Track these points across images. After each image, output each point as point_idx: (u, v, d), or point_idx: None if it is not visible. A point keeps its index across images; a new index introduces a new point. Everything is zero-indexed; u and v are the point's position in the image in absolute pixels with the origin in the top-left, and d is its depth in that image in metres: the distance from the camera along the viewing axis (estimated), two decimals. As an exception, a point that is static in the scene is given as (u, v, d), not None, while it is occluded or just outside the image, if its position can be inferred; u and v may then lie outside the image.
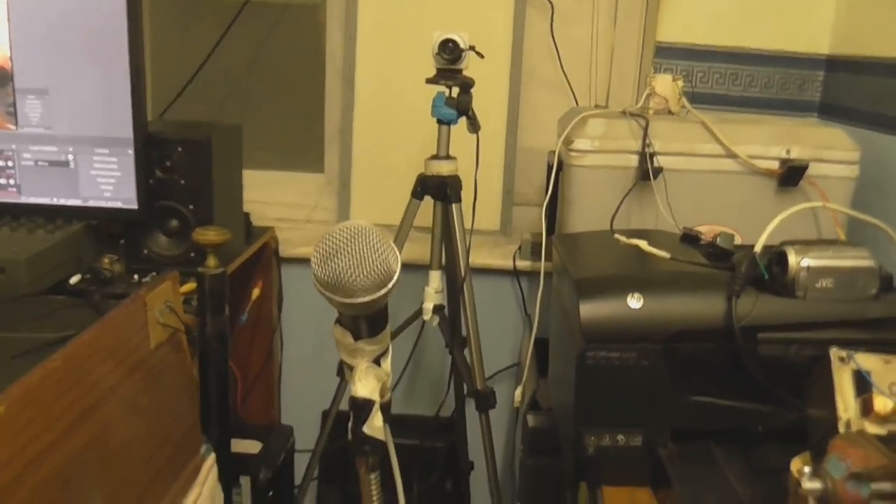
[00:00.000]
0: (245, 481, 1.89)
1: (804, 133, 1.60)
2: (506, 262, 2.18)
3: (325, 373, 2.18)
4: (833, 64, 2.02)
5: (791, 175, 1.55)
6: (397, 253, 0.82)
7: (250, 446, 1.97)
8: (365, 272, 0.79)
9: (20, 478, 0.88)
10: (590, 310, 1.18)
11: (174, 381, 1.36)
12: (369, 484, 0.87)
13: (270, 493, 1.93)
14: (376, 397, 0.84)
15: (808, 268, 1.19)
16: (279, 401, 2.27)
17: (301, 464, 2.16)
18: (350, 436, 0.85)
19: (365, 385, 0.83)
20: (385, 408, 0.87)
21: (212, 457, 1.50)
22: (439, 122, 1.74)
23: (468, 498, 2.22)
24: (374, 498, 0.87)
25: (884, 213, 1.49)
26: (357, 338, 0.86)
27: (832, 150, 1.57)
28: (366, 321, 0.85)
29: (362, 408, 0.83)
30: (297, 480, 2.16)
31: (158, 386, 1.30)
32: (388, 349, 0.88)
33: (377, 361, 0.87)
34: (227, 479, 1.57)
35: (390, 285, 0.81)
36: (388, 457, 0.92)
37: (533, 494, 1.76)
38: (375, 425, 0.84)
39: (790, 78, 2.06)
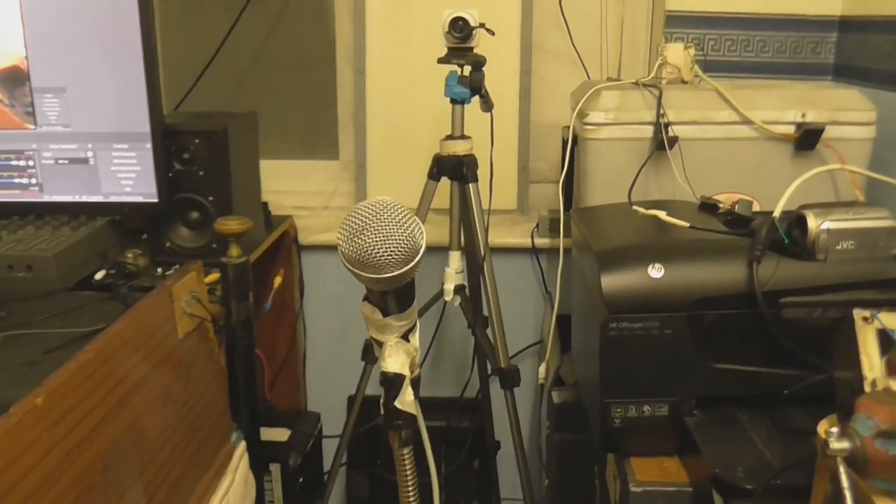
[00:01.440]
0: (275, 468, 1.92)
1: (819, 96, 1.59)
2: (524, 241, 2.18)
3: (349, 358, 2.20)
4: (846, 25, 2.00)
5: (807, 139, 1.54)
6: (422, 227, 0.83)
7: (279, 434, 2.00)
8: (392, 247, 0.80)
9: (62, 465, 0.90)
10: (612, 281, 1.19)
11: (203, 370, 1.38)
12: (403, 458, 0.88)
13: (301, 480, 1.95)
14: (406, 372, 0.85)
15: (829, 230, 1.19)
16: (305, 387, 2.30)
17: (329, 449, 2.19)
18: (382, 411, 0.86)
19: (395, 360, 0.85)
20: (414, 383, 0.88)
21: (242, 444, 1.53)
22: (452, 101, 1.74)
23: (496, 477, 2.24)
24: (408, 472, 0.88)
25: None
26: (386, 314, 0.87)
27: (848, 112, 1.56)
28: (394, 297, 0.86)
29: (393, 383, 0.84)
30: (326, 466, 2.19)
31: (188, 375, 1.32)
32: (415, 324, 0.90)
33: (405, 337, 0.88)
34: (259, 466, 1.59)
35: (417, 259, 0.83)
36: (420, 434, 0.93)
37: (561, 470, 1.78)
38: (407, 400, 0.85)
39: (803, 41, 2.04)
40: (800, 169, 1.56)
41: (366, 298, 0.88)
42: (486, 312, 1.88)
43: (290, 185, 2.33)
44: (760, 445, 1.14)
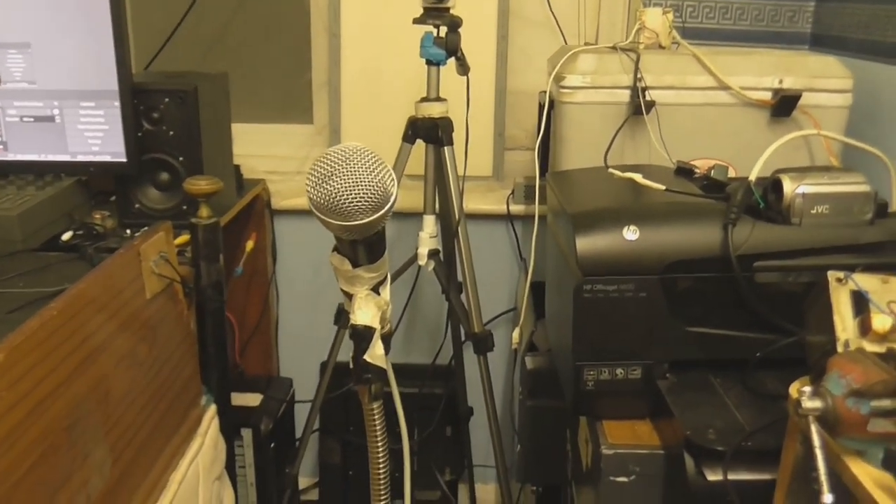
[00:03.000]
0: (246, 433, 1.90)
1: (796, 62, 1.58)
2: (499, 207, 2.17)
3: (322, 323, 2.19)
4: (823, -7, 2.00)
5: (784, 105, 1.53)
6: (394, 175, 0.81)
7: (251, 399, 1.98)
8: (361, 193, 0.78)
9: (25, 422, 0.89)
10: (586, 243, 1.18)
11: (171, 332, 1.36)
12: (372, 413, 0.87)
13: (272, 445, 1.94)
14: (376, 325, 0.84)
15: (804, 194, 1.19)
16: (277, 353, 2.28)
17: (301, 415, 2.18)
18: (352, 364, 0.84)
19: (365, 313, 0.83)
20: (386, 339, 0.87)
21: (213, 407, 1.51)
22: (428, 63, 1.71)
23: (468, 443, 2.24)
24: (378, 427, 0.87)
25: (877, 141, 1.49)
26: (355, 265, 0.85)
27: (825, 79, 1.55)
28: (364, 246, 0.84)
29: (363, 336, 0.83)
30: (298, 431, 2.18)
31: (156, 336, 1.30)
32: (386, 277, 0.88)
33: (376, 290, 0.86)
34: (230, 430, 1.58)
35: (388, 207, 0.81)
36: (392, 399, 0.92)
37: (533, 435, 1.78)
38: (377, 353, 0.84)
39: (781, 9, 2.04)
40: (776, 135, 1.55)
41: (335, 249, 0.86)
42: (460, 278, 1.87)
43: (264, 150, 2.30)
44: (732, 409, 1.15)
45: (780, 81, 1.55)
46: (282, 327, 2.29)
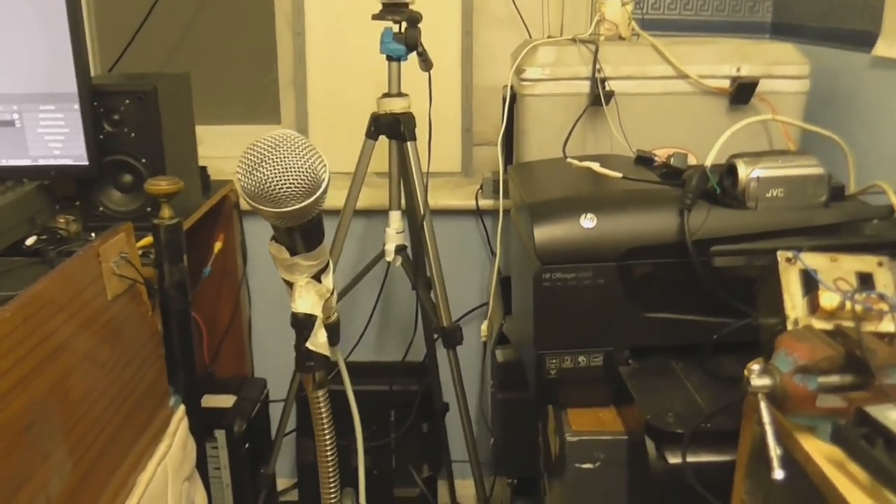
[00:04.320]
0: (220, 434, 1.90)
1: (753, 50, 1.60)
2: (468, 202, 2.17)
3: (295, 323, 2.19)
4: (783, -17, 2.02)
5: (742, 92, 1.55)
6: (325, 161, 0.81)
7: (224, 400, 1.98)
8: (291, 179, 0.78)
9: (-23, 422, 0.88)
10: (544, 232, 1.19)
11: (135, 333, 1.36)
12: (317, 401, 0.87)
13: (247, 445, 1.94)
14: (318, 312, 0.84)
15: (759, 178, 1.20)
16: (251, 354, 2.28)
17: (277, 415, 2.17)
18: (295, 353, 0.84)
19: (305, 301, 0.83)
20: (332, 328, 0.87)
21: (181, 408, 1.50)
22: (389, 58, 1.71)
23: (445, 439, 2.24)
24: (324, 415, 0.87)
25: (836, 126, 1.51)
26: (293, 253, 0.85)
27: (782, 66, 1.57)
28: (300, 234, 0.84)
29: (304, 324, 0.83)
30: (273, 431, 2.18)
31: (119, 337, 1.29)
32: (328, 265, 0.88)
33: (317, 278, 0.86)
34: (200, 431, 1.57)
35: (319, 192, 0.81)
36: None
37: (506, 428, 1.78)
38: (319, 341, 0.84)
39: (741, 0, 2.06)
40: (735, 123, 1.57)
41: (273, 238, 0.87)
42: (428, 273, 1.87)
43: (231, 151, 2.29)
44: (692, 392, 1.16)
45: (738, 69, 1.56)
46: (255, 328, 2.28)
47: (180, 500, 1.42)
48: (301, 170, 0.78)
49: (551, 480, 1.48)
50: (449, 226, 2.20)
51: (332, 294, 0.87)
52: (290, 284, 0.86)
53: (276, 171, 0.78)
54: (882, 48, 1.52)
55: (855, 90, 1.61)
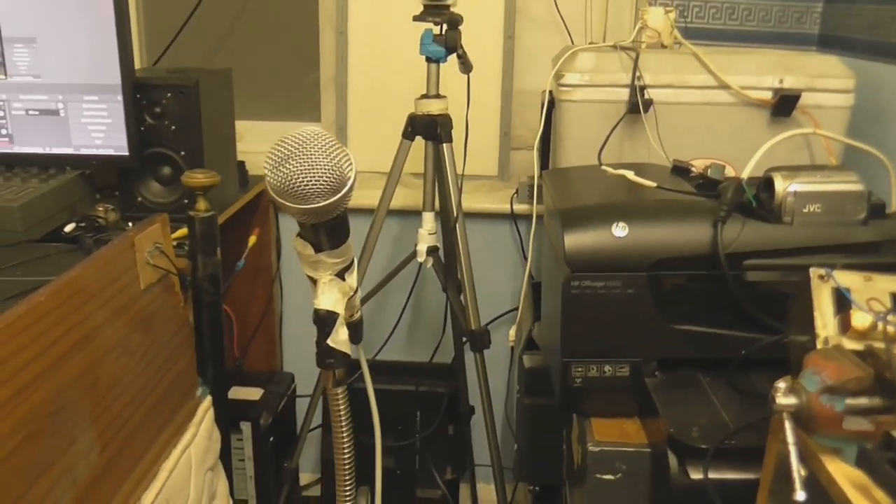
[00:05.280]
0: (245, 427, 1.92)
1: (797, 62, 1.57)
2: (503, 206, 2.17)
3: (326, 320, 2.20)
4: (831, -6, 1.99)
5: (784, 105, 1.52)
6: (352, 159, 0.81)
7: (251, 393, 1.99)
8: (318, 176, 0.79)
9: (7, 405, 0.90)
10: (574, 239, 1.18)
11: (166, 323, 1.37)
12: (337, 398, 0.87)
13: (271, 439, 1.95)
14: (340, 310, 0.84)
15: (796, 193, 1.18)
16: (281, 348, 2.29)
17: (303, 409, 2.19)
18: (316, 349, 0.85)
19: (328, 298, 0.84)
20: (355, 326, 0.87)
21: (208, 399, 1.52)
22: (428, 60, 1.72)
23: (470, 442, 2.24)
24: (342, 413, 0.87)
25: (880, 143, 1.48)
26: (318, 249, 0.86)
27: (826, 79, 1.54)
28: (325, 231, 0.85)
29: (325, 320, 0.83)
30: (299, 425, 2.19)
31: (150, 326, 1.31)
32: (352, 263, 0.89)
33: (341, 276, 0.87)
34: (226, 422, 1.59)
35: (345, 190, 0.81)
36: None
37: (531, 434, 1.77)
38: (340, 339, 0.84)
39: (788, 10, 2.02)
40: (775, 136, 1.55)
41: (299, 234, 0.87)
42: (459, 275, 1.87)
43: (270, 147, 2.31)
44: (718, 407, 1.14)
45: (781, 81, 1.54)
46: (286, 323, 2.30)
47: (202, 490, 1.43)
48: (327, 167, 0.79)
49: (573, 489, 1.47)
50: (483, 229, 2.19)
51: (355, 292, 0.88)
52: (313, 281, 0.87)
53: (303, 167, 0.78)
54: (931, 64, 1.49)
55: (902, 107, 1.58)
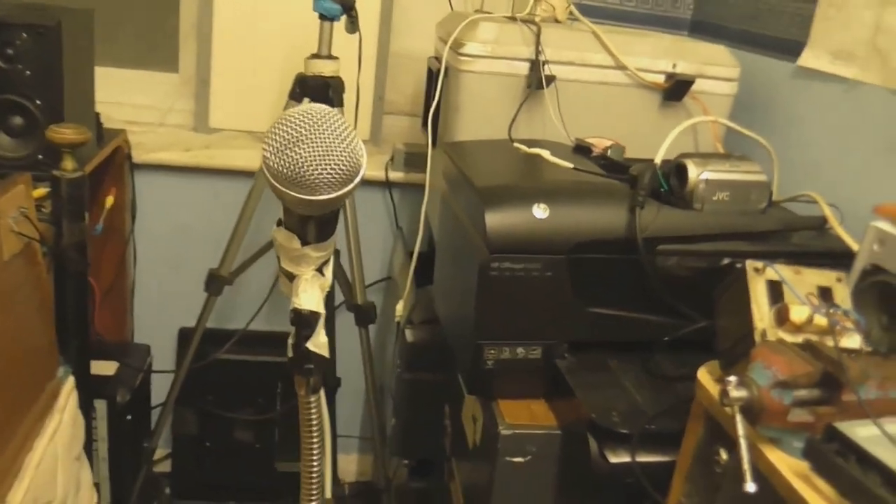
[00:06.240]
0: (100, 405, 1.75)
1: (688, 48, 1.61)
2: (378, 174, 2.10)
3: (182, 288, 2.05)
4: (705, -19, 2.05)
5: (677, 89, 1.55)
6: (362, 143, 0.72)
7: (105, 367, 1.82)
8: (332, 164, 0.69)
9: None
10: (495, 219, 1.14)
11: (28, 298, 1.22)
12: (310, 407, 0.79)
13: (129, 417, 1.80)
14: (322, 310, 0.76)
15: (707, 180, 1.21)
16: (132, 317, 2.12)
17: (157, 384, 2.04)
18: (292, 353, 0.76)
19: (310, 296, 0.74)
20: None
21: (70, 380, 1.37)
22: (321, 17, 1.61)
23: (333, 414, 2.18)
24: (314, 423, 0.79)
25: (754, 131, 1.53)
26: (304, 243, 0.76)
27: (715, 67, 1.58)
28: (315, 224, 0.75)
29: (307, 322, 0.74)
30: (154, 401, 2.04)
31: (10, 304, 1.15)
32: (331, 257, 0.79)
33: (320, 270, 0.78)
34: (88, 404, 1.44)
35: (356, 181, 0.72)
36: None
37: (410, 409, 1.74)
38: (320, 341, 0.75)
39: (665, -6, 2.07)
40: (667, 118, 1.58)
41: (280, 223, 0.77)
42: (341, 246, 1.79)
43: (123, 97, 2.11)
44: (632, 390, 1.15)
45: (674, 66, 1.56)
46: (137, 290, 2.12)
47: (69, 482, 1.29)
48: (343, 154, 0.69)
49: (465, 467, 1.45)
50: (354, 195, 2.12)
51: (330, 288, 0.79)
52: (290, 277, 0.77)
53: (316, 153, 0.68)
54: (808, 59, 1.56)
55: (776, 97, 1.65)
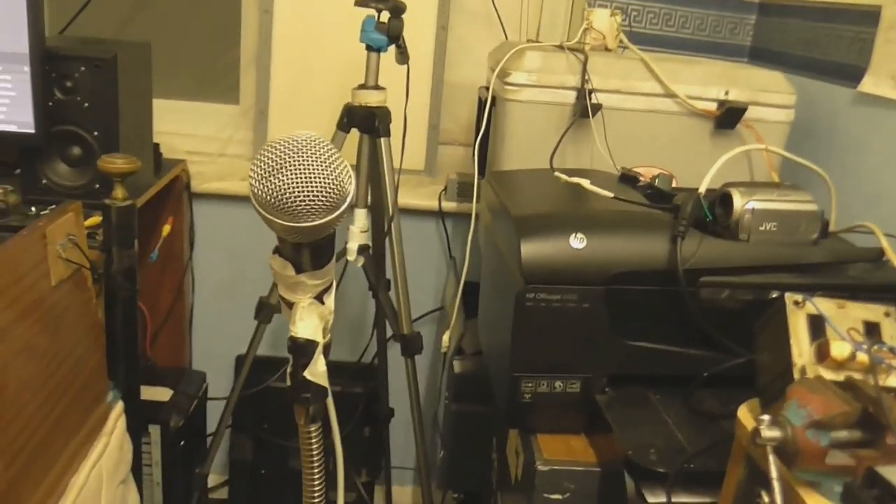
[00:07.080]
0: (154, 430, 1.79)
1: (741, 75, 1.57)
2: (430, 203, 2.10)
3: (239, 315, 2.08)
4: (765, 7, 2.00)
5: (729, 117, 1.51)
6: (351, 170, 0.72)
7: (160, 393, 1.86)
8: (315, 191, 0.69)
9: None
10: (531, 249, 1.12)
11: (76, 322, 1.25)
12: (309, 436, 0.78)
13: (182, 443, 1.83)
14: (319, 338, 0.75)
15: (753, 210, 1.16)
16: (190, 345, 2.16)
17: (213, 411, 2.07)
18: (289, 381, 0.76)
19: (307, 325, 0.74)
20: (325, 349, 0.78)
21: (119, 404, 1.40)
22: (368, 48, 1.63)
23: (387, 445, 2.18)
24: (315, 452, 0.78)
25: (813, 160, 1.48)
26: (299, 270, 0.76)
27: (769, 94, 1.54)
28: (310, 251, 0.75)
29: (303, 350, 0.74)
30: (209, 428, 2.07)
31: (58, 327, 1.18)
32: (331, 284, 0.79)
33: (320, 298, 0.77)
34: (138, 429, 1.47)
35: (343, 208, 0.71)
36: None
37: (457, 441, 1.72)
38: (318, 370, 0.75)
39: (723, 20, 2.03)
40: (718, 147, 1.54)
41: (277, 251, 0.77)
42: (389, 275, 1.80)
43: (184, 128, 2.17)
44: (672, 427, 1.11)
45: (727, 93, 1.53)
46: (195, 318, 2.17)
47: (113, 504, 1.32)
48: (326, 181, 0.69)
49: (507, 499, 1.43)
50: (408, 225, 2.12)
51: (332, 315, 0.78)
52: (289, 304, 0.77)
53: (298, 180, 0.68)
54: (869, 84, 1.50)
55: (836, 124, 1.60)
